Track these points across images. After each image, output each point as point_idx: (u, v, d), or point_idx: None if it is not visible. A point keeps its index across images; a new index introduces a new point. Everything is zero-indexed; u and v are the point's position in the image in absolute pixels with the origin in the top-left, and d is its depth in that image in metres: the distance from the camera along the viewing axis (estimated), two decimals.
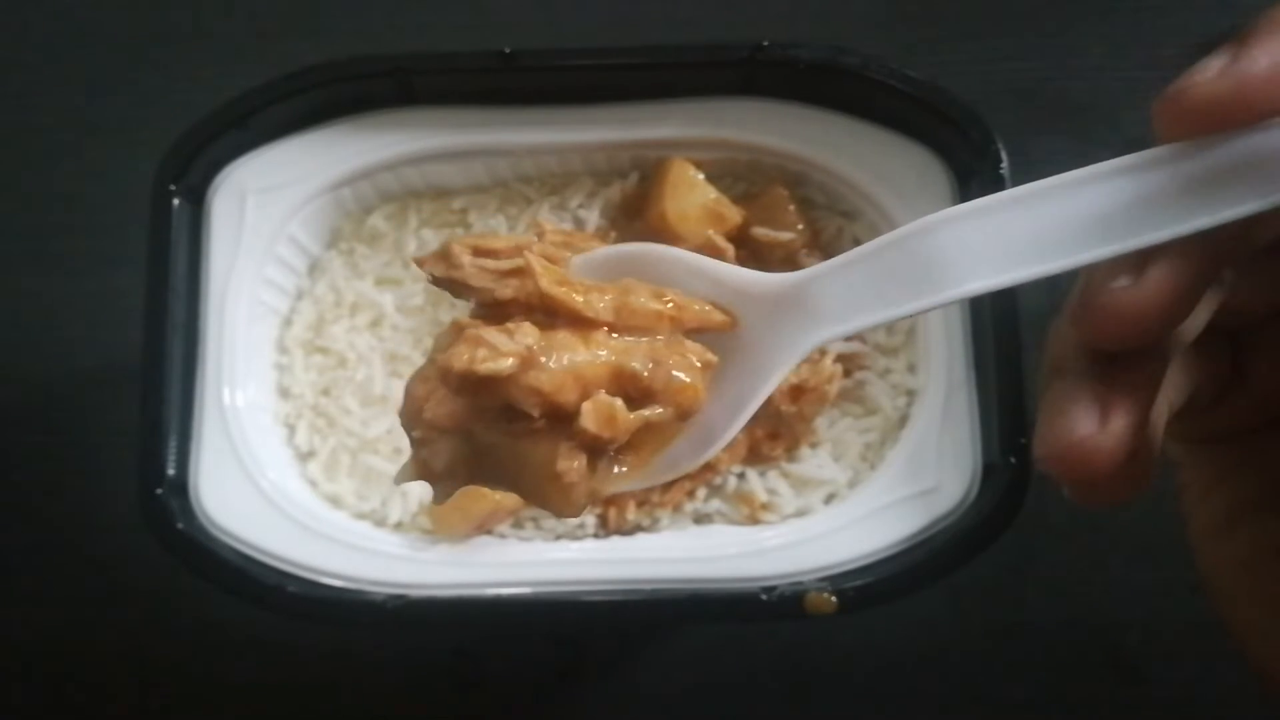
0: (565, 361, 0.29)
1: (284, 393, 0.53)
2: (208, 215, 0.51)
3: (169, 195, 0.50)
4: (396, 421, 0.52)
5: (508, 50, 0.50)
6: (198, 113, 0.51)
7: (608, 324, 0.30)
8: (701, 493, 0.51)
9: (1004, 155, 0.48)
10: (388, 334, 0.54)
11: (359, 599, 0.47)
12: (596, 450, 0.29)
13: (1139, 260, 0.22)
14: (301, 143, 0.52)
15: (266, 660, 0.59)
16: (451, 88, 0.52)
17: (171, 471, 0.47)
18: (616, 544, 0.49)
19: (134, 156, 0.54)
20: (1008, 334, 0.47)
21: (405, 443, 0.52)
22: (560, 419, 0.29)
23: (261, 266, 0.51)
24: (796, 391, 0.49)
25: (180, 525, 0.46)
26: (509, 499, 0.48)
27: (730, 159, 0.53)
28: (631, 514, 0.50)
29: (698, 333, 0.31)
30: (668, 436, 0.31)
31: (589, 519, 0.50)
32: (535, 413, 0.28)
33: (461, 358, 0.28)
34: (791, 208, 0.53)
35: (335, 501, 0.52)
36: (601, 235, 0.52)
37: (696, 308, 0.30)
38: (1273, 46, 0.21)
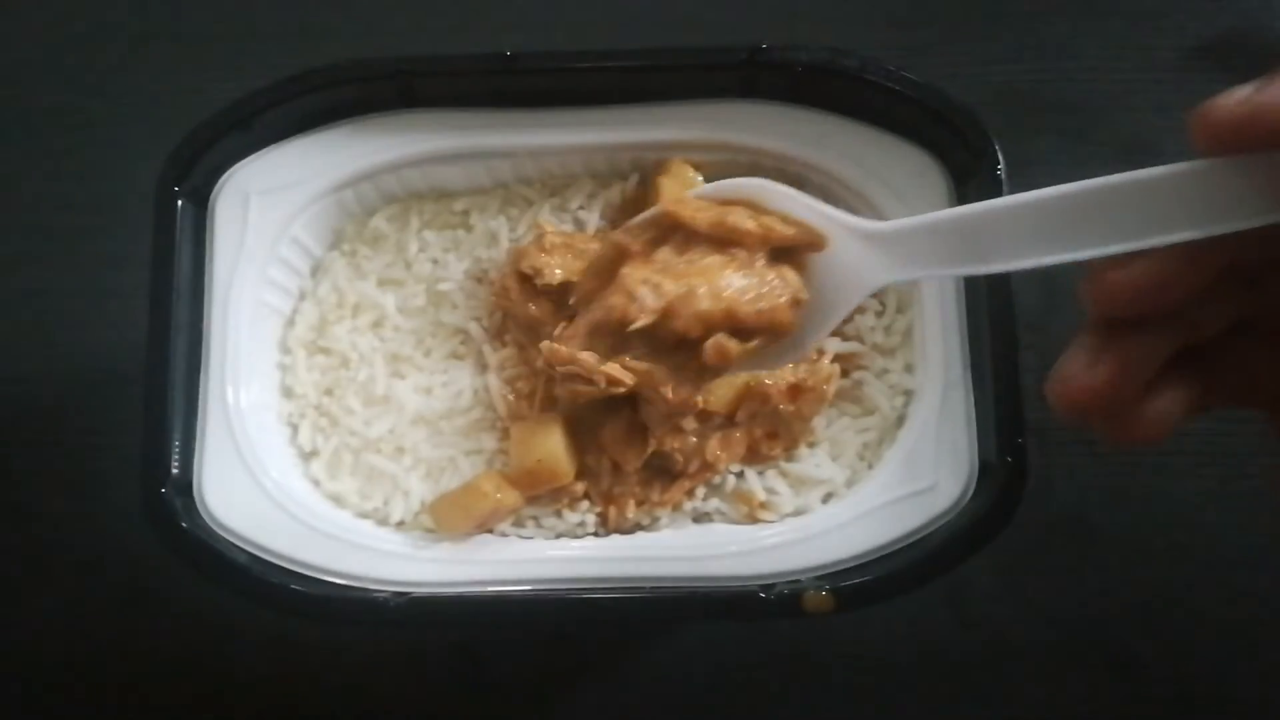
0: (695, 309, 0.40)
1: (287, 393, 0.54)
2: (211, 217, 0.52)
3: (173, 197, 0.50)
4: (398, 421, 0.52)
5: (509, 53, 0.51)
6: (201, 115, 0.51)
7: (706, 235, 0.41)
8: (700, 492, 0.51)
9: (1000, 157, 0.48)
10: (389, 334, 0.54)
11: (362, 597, 0.48)
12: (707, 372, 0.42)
13: (1136, 253, 0.28)
14: (304, 145, 0.53)
15: (269, 657, 0.60)
16: (453, 90, 0.52)
17: (176, 471, 0.48)
18: (617, 542, 0.50)
19: (137, 158, 0.55)
20: (1004, 334, 0.47)
21: (407, 442, 0.53)
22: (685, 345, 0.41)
23: (265, 267, 0.52)
24: (795, 390, 0.50)
25: (184, 524, 0.47)
26: (510, 498, 0.49)
27: (729, 161, 0.53)
28: (631, 513, 0.50)
29: (789, 248, 0.39)
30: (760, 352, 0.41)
31: (589, 518, 0.51)
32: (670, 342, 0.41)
33: (617, 309, 0.41)
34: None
35: (338, 500, 0.52)
36: (601, 237, 0.53)
37: (783, 229, 0.39)
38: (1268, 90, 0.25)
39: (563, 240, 0.51)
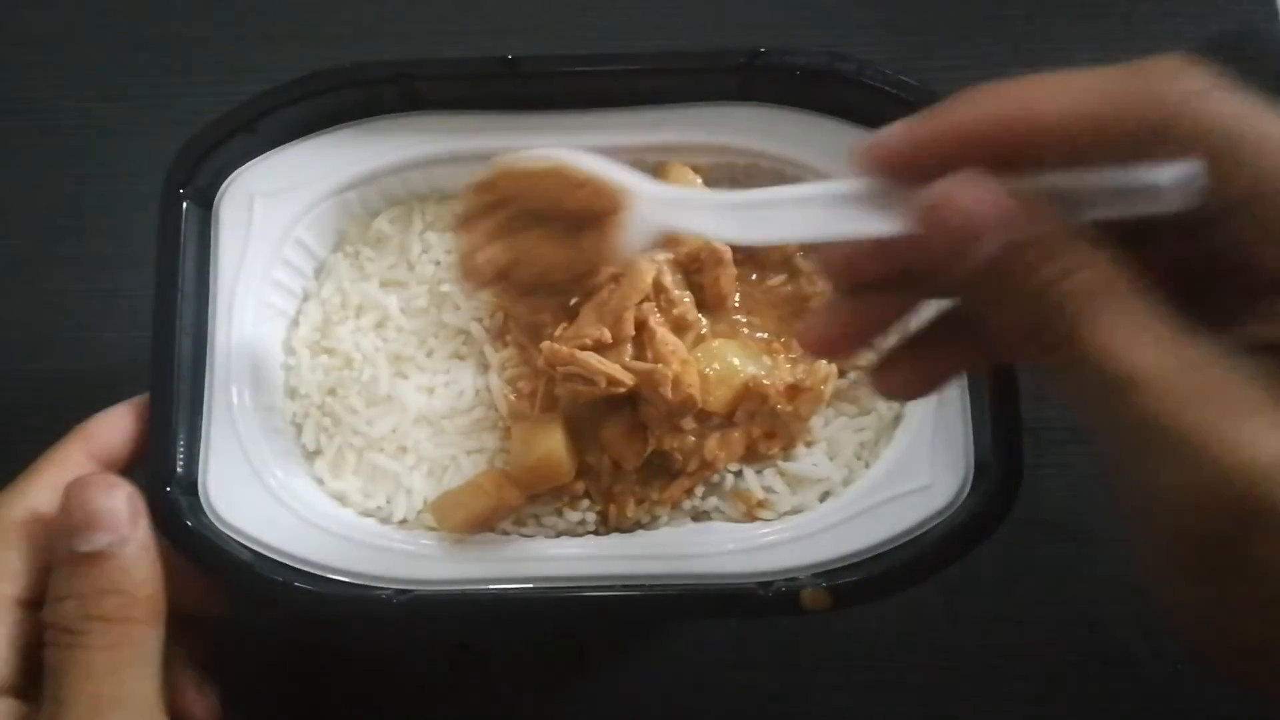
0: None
1: (291, 393, 0.54)
2: (216, 218, 0.52)
3: (178, 199, 0.51)
4: (400, 420, 0.53)
5: (510, 57, 0.51)
6: (206, 117, 0.52)
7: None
8: (699, 490, 0.52)
9: None
10: (392, 335, 0.55)
11: (366, 595, 0.48)
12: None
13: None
14: (308, 147, 0.53)
15: (272, 656, 0.60)
16: (455, 93, 0.53)
17: (180, 470, 0.48)
18: (616, 541, 0.50)
19: (142, 161, 0.55)
20: None
21: (409, 442, 0.53)
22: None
23: (269, 269, 0.52)
24: (792, 391, 0.50)
25: (189, 523, 0.47)
26: (511, 496, 0.49)
27: (727, 164, 0.54)
28: (631, 511, 0.51)
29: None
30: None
31: (589, 516, 0.51)
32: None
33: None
34: None
35: (341, 499, 0.52)
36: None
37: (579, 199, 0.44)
38: (914, 127, 0.31)
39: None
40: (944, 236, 0.29)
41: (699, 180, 0.53)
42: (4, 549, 0.44)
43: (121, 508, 0.44)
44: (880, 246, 0.33)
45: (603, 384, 0.47)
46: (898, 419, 0.51)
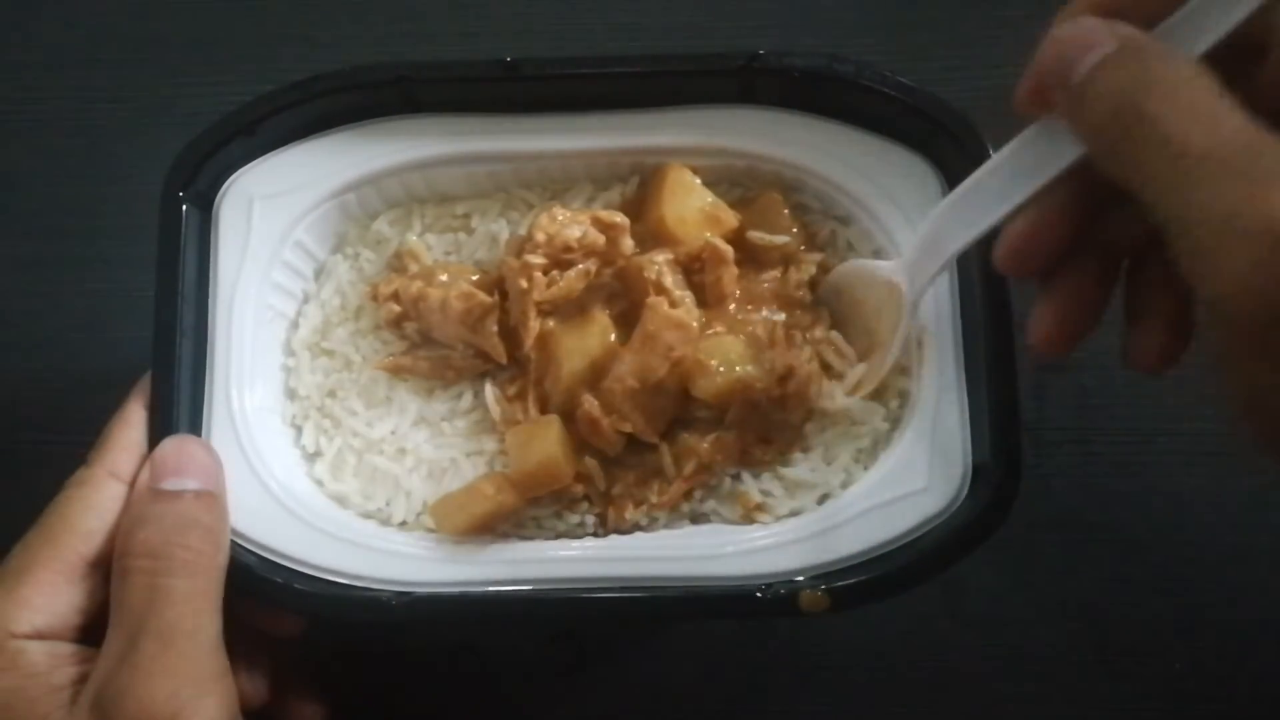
0: None
1: (291, 394, 0.54)
2: (216, 221, 0.52)
3: (178, 201, 0.51)
4: (400, 422, 0.53)
5: (509, 59, 0.51)
6: (205, 120, 0.52)
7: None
8: (698, 493, 0.52)
9: None
10: (391, 337, 0.55)
11: (366, 597, 0.48)
12: None
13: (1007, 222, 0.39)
14: (307, 149, 0.53)
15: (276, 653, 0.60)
16: (455, 96, 0.53)
17: None
18: (616, 543, 0.50)
19: (142, 163, 0.55)
20: (998, 336, 0.48)
21: (409, 444, 0.53)
22: None
23: (268, 271, 0.52)
24: (782, 382, 0.50)
25: None
26: (510, 499, 0.50)
27: (727, 165, 0.54)
28: (630, 514, 0.51)
29: None
30: None
31: (588, 518, 0.51)
32: None
33: None
34: (786, 212, 0.54)
35: (341, 501, 0.53)
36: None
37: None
38: (1039, 61, 0.35)
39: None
40: (1054, 61, 0.34)
41: (698, 181, 0.53)
42: (82, 510, 0.46)
43: (210, 461, 0.48)
44: (1051, 206, 0.37)
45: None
46: (895, 422, 0.52)
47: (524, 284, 0.51)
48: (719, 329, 0.52)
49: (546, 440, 0.50)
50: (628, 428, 0.50)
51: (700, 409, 0.52)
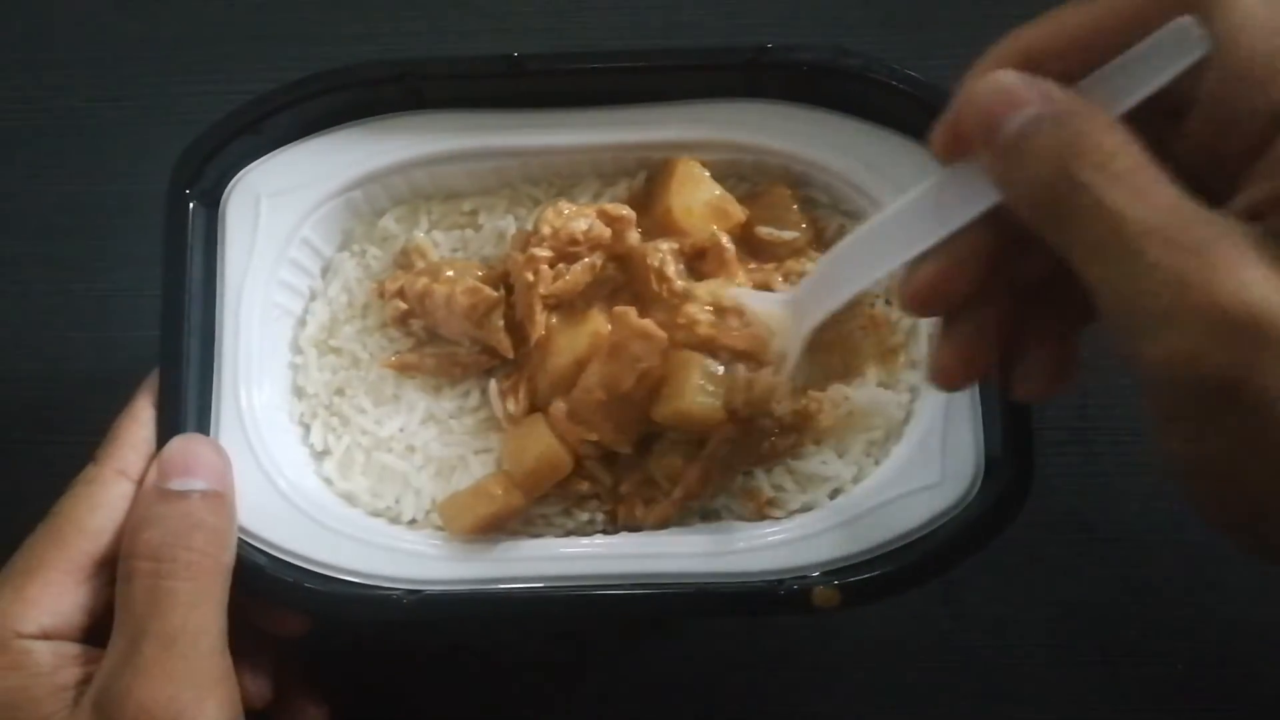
0: None
1: (299, 392, 0.54)
2: (222, 219, 0.52)
3: (184, 199, 0.51)
4: (408, 420, 0.53)
5: (515, 55, 0.51)
6: (211, 118, 0.51)
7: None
8: (707, 490, 0.51)
9: None
10: (398, 334, 0.55)
11: (376, 595, 0.48)
12: None
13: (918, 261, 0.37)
14: (313, 147, 0.53)
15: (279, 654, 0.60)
16: (460, 92, 0.53)
17: None
18: (625, 540, 0.50)
19: (148, 161, 0.55)
20: None
21: (418, 441, 0.53)
22: None
23: (275, 268, 0.52)
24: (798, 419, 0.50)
25: None
26: (516, 499, 0.49)
27: (734, 160, 0.54)
28: (640, 512, 0.51)
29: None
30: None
31: (598, 516, 0.51)
32: None
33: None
34: (794, 207, 0.54)
35: (350, 499, 0.52)
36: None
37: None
38: (960, 111, 0.34)
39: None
40: (976, 116, 0.33)
41: (706, 173, 0.53)
42: (89, 509, 0.46)
43: (218, 461, 0.47)
44: (963, 248, 0.36)
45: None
46: (907, 416, 0.51)
47: (530, 277, 0.50)
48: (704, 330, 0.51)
49: (538, 435, 0.49)
50: (594, 437, 0.49)
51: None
